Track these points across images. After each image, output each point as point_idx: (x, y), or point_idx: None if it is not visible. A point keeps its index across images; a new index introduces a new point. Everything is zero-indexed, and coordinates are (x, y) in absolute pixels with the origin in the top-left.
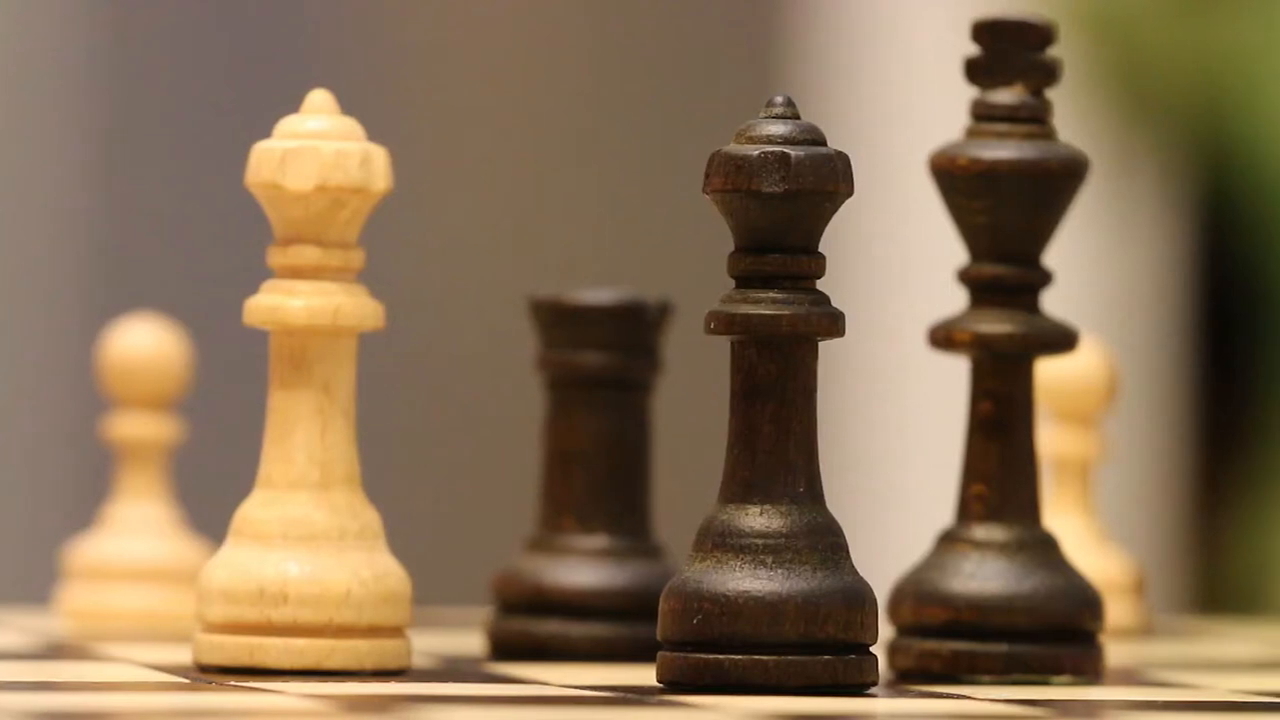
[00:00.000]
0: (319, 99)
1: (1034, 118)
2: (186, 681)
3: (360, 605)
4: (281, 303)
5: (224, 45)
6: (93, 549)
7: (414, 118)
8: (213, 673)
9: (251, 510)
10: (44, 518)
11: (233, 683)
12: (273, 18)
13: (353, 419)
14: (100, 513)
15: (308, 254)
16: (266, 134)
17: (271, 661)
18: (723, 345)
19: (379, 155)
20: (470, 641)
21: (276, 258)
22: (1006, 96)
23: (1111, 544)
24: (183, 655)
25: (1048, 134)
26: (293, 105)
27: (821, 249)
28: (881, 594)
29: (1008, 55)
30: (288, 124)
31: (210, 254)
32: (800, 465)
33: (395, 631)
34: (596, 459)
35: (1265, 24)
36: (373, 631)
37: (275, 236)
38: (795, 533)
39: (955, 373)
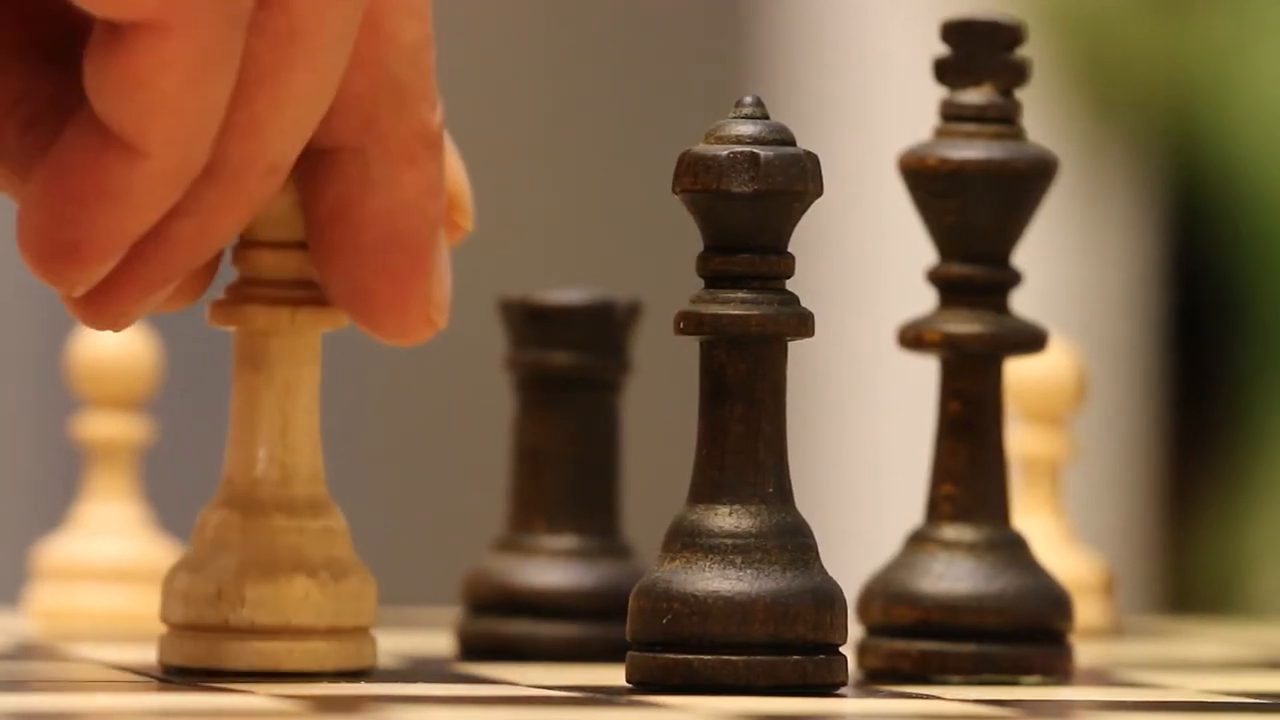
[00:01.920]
0: None
1: (1003, 118)
2: (155, 682)
3: (319, 606)
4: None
5: None
6: (62, 549)
7: None
8: (174, 673)
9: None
10: (13, 518)
11: (202, 683)
12: None
13: (315, 418)
14: (69, 513)
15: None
16: None
17: (230, 663)
18: (692, 345)
19: None
20: (439, 642)
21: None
22: (976, 96)
23: (1081, 544)
24: (151, 655)
25: (1017, 134)
26: None
27: (791, 249)
28: (851, 594)
29: (977, 55)
30: None
31: None
32: (769, 465)
33: (358, 632)
34: (566, 459)
35: (1234, 23)
36: (333, 633)
37: (239, 237)
38: (764, 533)
39: (924, 373)
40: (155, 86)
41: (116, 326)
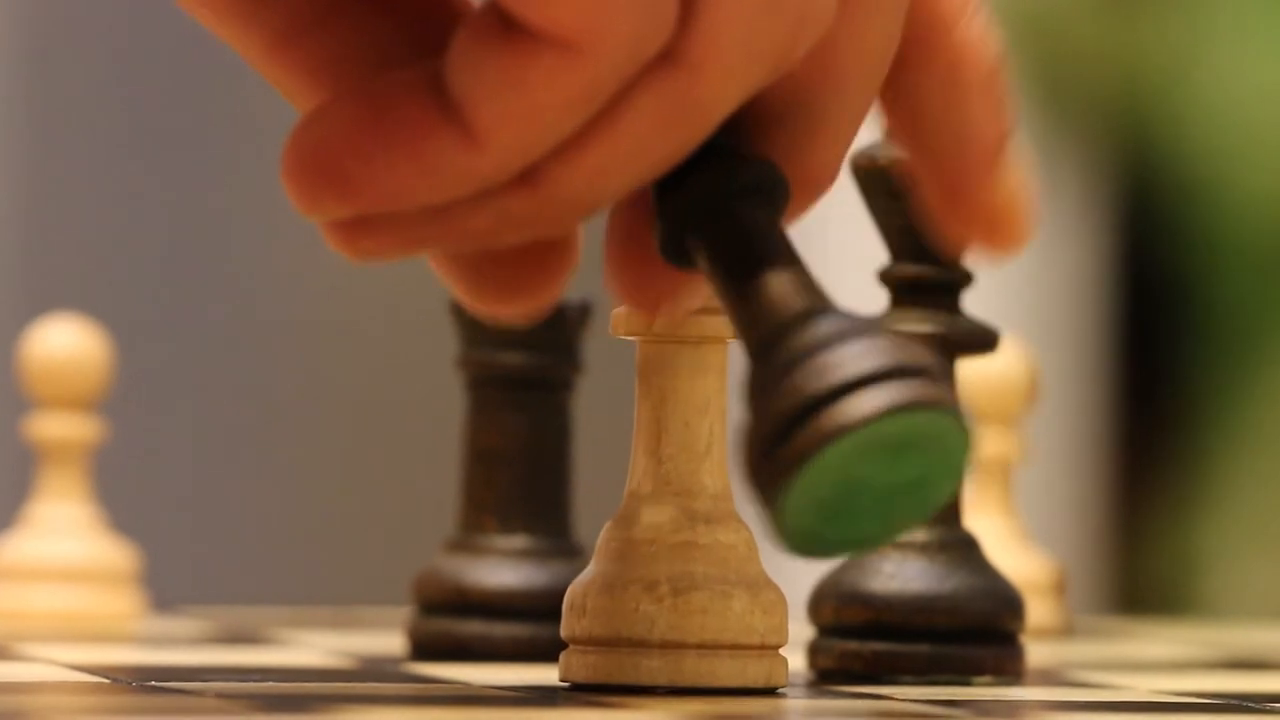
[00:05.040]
0: None
1: None
2: (107, 682)
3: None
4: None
5: (145, 47)
6: (14, 549)
7: None
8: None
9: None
10: None
11: (153, 683)
12: (192, 20)
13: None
14: (21, 513)
15: None
16: (186, 135)
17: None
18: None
19: None
20: (391, 642)
21: None
22: None
23: (1032, 544)
24: (105, 655)
25: None
26: (213, 108)
27: None
28: (803, 594)
29: None
30: None
31: (131, 255)
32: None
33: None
34: (517, 459)
35: (1186, 24)
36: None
37: None
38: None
39: None
40: (533, 99)
41: (364, 259)
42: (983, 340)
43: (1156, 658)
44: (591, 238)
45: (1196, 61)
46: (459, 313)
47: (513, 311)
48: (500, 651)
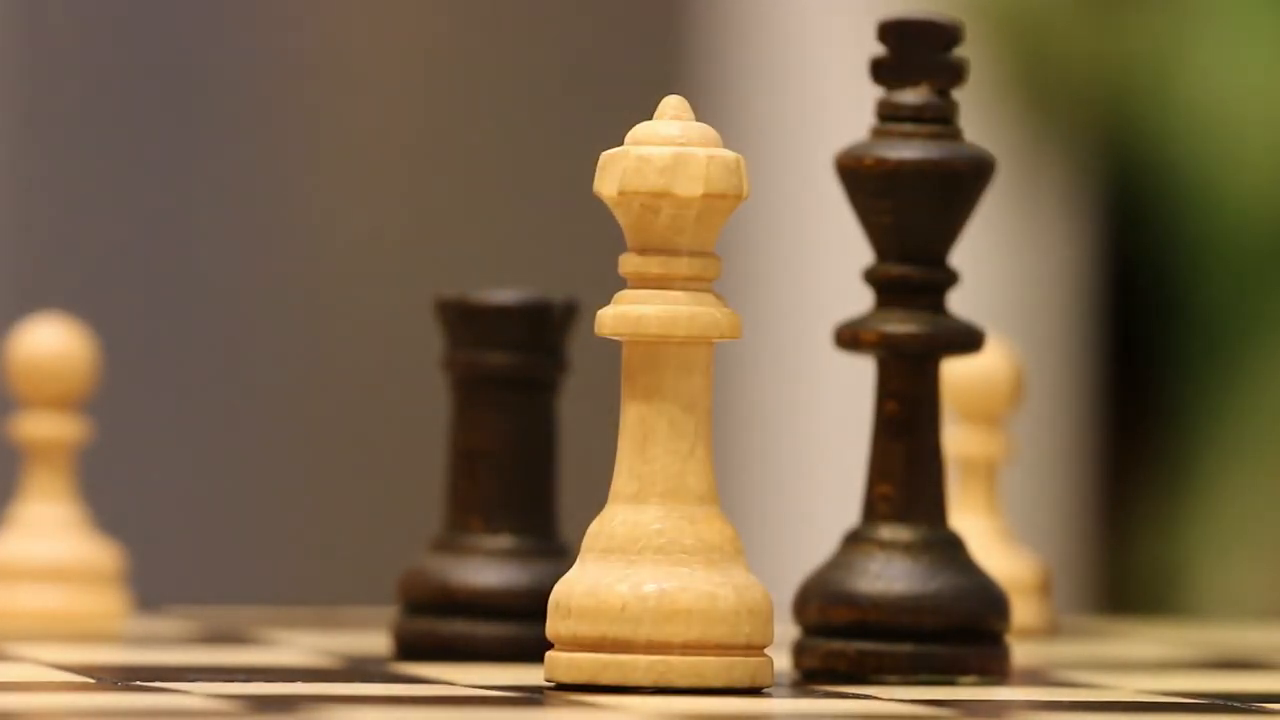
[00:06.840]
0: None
1: (940, 118)
2: (92, 682)
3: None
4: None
5: (132, 48)
6: None
7: (317, 118)
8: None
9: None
10: None
11: (138, 682)
12: (178, 23)
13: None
14: (6, 513)
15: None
16: (173, 135)
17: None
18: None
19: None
20: (376, 641)
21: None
22: (912, 96)
23: (1017, 544)
24: (90, 655)
25: (954, 134)
26: (194, 109)
27: (730, 249)
28: (788, 594)
29: (914, 55)
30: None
31: (117, 255)
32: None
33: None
34: (502, 459)
35: (1171, 24)
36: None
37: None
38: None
39: (861, 373)
40: None
41: None
42: (968, 340)
43: (1142, 657)
44: (587, 237)
45: (1182, 59)
46: (444, 312)
47: None
48: (485, 651)
